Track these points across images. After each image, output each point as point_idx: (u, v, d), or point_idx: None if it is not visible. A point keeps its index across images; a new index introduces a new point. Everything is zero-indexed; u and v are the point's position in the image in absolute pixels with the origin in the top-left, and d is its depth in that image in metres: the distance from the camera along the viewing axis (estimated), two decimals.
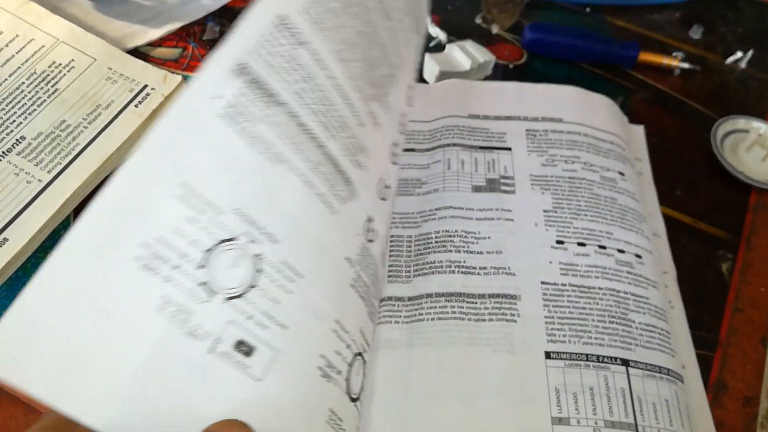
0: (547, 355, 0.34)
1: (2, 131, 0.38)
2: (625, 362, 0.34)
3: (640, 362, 0.34)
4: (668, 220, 0.43)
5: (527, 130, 0.43)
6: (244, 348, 0.23)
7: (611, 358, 0.34)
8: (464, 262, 0.36)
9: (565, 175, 0.41)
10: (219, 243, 0.24)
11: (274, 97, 0.26)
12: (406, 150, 0.41)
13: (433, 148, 0.41)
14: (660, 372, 0.34)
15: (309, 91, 0.28)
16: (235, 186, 0.24)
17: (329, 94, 0.29)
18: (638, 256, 0.38)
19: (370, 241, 0.31)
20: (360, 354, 0.29)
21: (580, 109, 0.44)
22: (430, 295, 0.35)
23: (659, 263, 0.39)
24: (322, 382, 0.26)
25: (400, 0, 0.35)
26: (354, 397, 0.28)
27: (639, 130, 0.47)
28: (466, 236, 0.37)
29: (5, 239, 0.35)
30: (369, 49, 0.32)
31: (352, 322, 0.28)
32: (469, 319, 0.34)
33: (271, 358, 0.24)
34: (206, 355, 0.22)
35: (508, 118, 0.43)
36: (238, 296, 0.24)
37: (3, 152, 0.38)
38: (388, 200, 0.34)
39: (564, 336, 0.34)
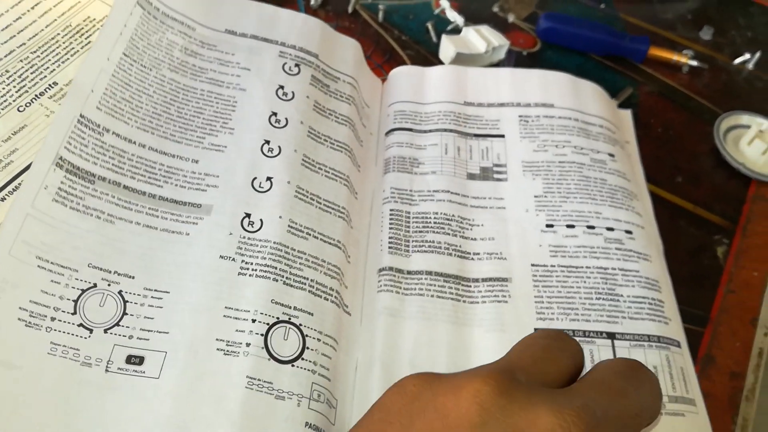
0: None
1: (36, 76, 0.40)
2: (611, 335, 0.35)
3: (627, 334, 0.35)
4: (668, 204, 0.44)
5: (520, 116, 0.44)
6: (135, 360, 0.30)
7: (597, 332, 0.35)
8: (460, 246, 0.38)
9: (555, 159, 0.42)
10: (83, 292, 0.31)
11: (94, 176, 0.34)
12: (403, 129, 0.43)
13: (430, 131, 0.43)
14: (649, 340, 0.35)
15: (124, 161, 0.35)
16: (80, 248, 0.32)
17: (146, 154, 0.36)
18: (629, 231, 0.39)
19: (255, 231, 0.35)
20: (284, 321, 0.32)
21: (572, 95, 0.45)
22: (429, 273, 0.36)
23: (651, 238, 0.40)
24: (228, 359, 0.30)
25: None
26: (284, 359, 0.31)
27: (627, 115, 0.48)
28: (461, 222, 0.39)
29: None
30: (181, 106, 0.39)
31: (253, 300, 0.32)
32: (464, 302, 0.36)
33: (162, 358, 0.30)
34: (104, 375, 0.29)
35: (501, 104, 0.45)
36: (115, 325, 0.31)
37: (36, 95, 0.39)
38: (275, 188, 0.36)
39: (552, 314, 0.36)
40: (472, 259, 0.38)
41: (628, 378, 0.23)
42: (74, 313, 0.30)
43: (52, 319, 0.30)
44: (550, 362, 0.24)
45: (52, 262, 0.31)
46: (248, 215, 0.35)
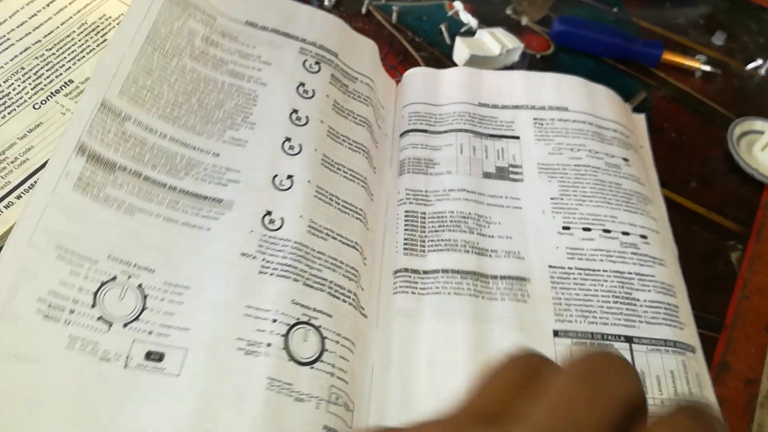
0: (555, 333, 0.35)
1: (52, 74, 0.40)
2: (629, 339, 0.35)
3: (644, 338, 0.35)
4: (682, 209, 0.44)
5: (534, 119, 0.44)
6: (155, 356, 0.29)
7: (615, 335, 0.35)
8: (477, 243, 0.38)
9: (571, 163, 0.42)
10: (103, 284, 0.30)
11: (115, 165, 0.34)
12: (417, 130, 0.43)
13: (445, 132, 0.43)
14: (666, 345, 0.35)
15: (145, 151, 0.35)
16: (100, 239, 0.31)
17: (167, 145, 0.36)
18: (643, 236, 0.39)
19: (276, 229, 0.35)
20: (305, 323, 0.32)
21: (586, 99, 0.45)
22: (446, 271, 0.36)
23: (665, 242, 0.40)
24: (249, 358, 0.30)
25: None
26: (304, 361, 0.31)
27: (640, 119, 0.48)
28: (478, 219, 0.39)
29: None
30: (202, 97, 0.39)
31: (274, 300, 0.32)
32: (482, 298, 0.36)
33: (183, 356, 0.29)
34: (124, 370, 0.29)
35: (516, 107, 0.45)
36: (135, 320, 0.30)
37: (52, 93, 0.39)
38: (296, 187, 0.36)
39: (570, 316, 0.36)
40: (490, 256, 0.37)
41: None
42: (93, 305, 0.30)
43: (71, 311, 0.29)
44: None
45: (71, 252, 0.31)
46: (269, 213, 0.35)
